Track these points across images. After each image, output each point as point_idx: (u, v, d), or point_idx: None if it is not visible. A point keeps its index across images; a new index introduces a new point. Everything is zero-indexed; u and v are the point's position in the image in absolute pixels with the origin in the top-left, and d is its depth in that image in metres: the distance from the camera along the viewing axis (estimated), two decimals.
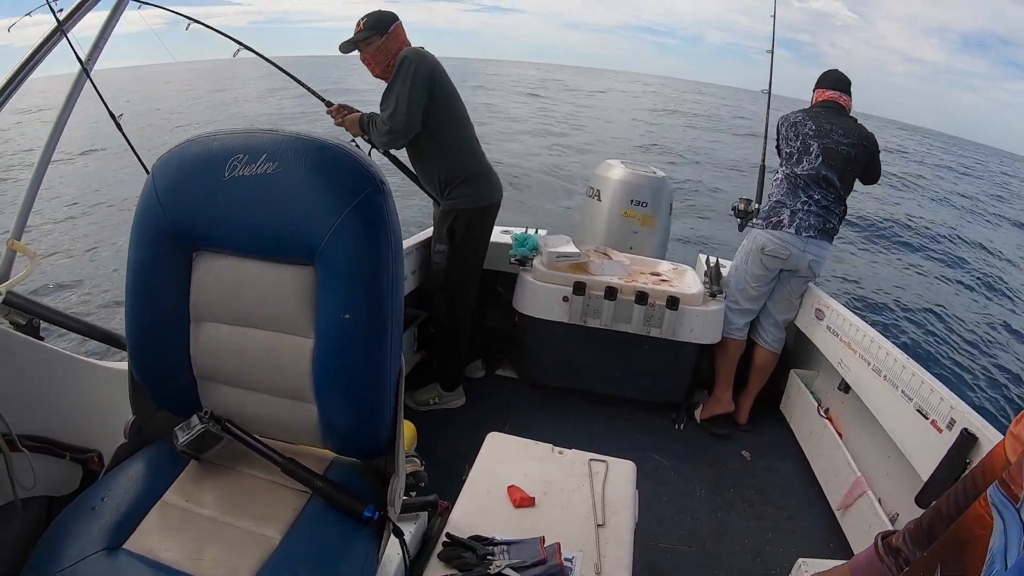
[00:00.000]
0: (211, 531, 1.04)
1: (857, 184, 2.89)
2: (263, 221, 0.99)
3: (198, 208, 1.02)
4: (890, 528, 2.08)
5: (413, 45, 2.54)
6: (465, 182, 2.62)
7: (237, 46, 2.52)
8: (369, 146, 2.64)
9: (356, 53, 2.53)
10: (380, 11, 2.48)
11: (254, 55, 2.60)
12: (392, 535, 1.14)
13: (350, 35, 2.50)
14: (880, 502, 2.18)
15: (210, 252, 1.05)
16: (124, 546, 0.99)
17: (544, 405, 3.05)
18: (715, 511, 2.45)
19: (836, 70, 2.94)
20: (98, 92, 1.81)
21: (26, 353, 1.40)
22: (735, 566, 2.20)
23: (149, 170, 1.07)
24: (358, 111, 2.63)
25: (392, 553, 1.19)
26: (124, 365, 1.19)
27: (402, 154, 2.76)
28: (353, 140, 2.61)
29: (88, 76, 1.73)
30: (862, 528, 2.21)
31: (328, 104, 2.68)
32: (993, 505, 0.68)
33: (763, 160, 3.41)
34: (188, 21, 2.41)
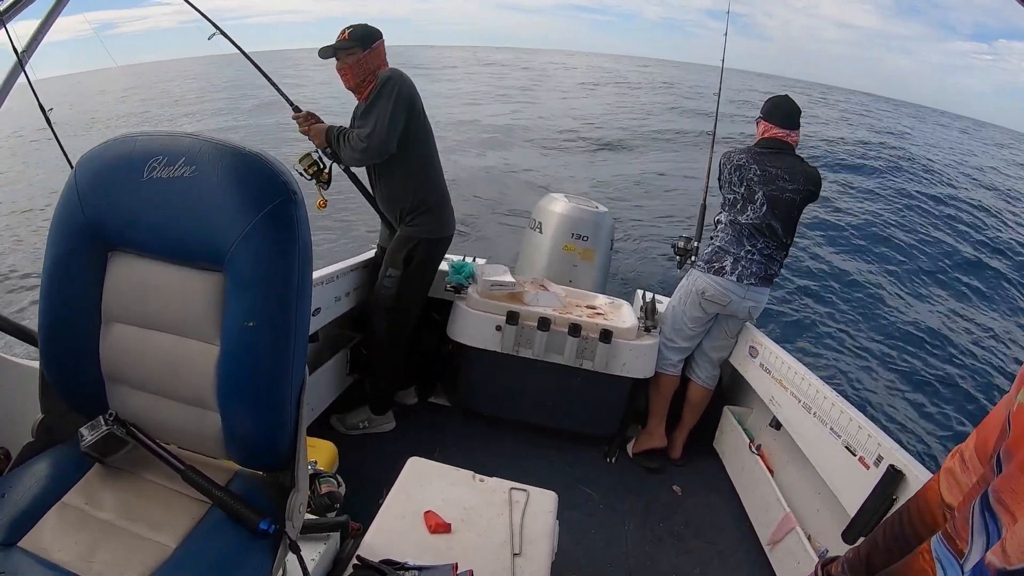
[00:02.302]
0: (106, 534, 1.04)
1: None
2: (175, 224, 0.99)
3: (115, 207, 1.02)
4: (824, 558, 2.08)
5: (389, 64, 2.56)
6: (430, 211, 2.62)
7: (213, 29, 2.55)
8: (329, 161, 2.63)
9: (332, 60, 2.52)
10: (367, 26, 2.49)
11: (230, 44, 2.60)
12: (289, 551, 1.11)
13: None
14: (809, 538, 2.18)
15: (124, 252, 1.05)
16: (19, 544, 0.99)
17: (475, 433, 3.00)
18: (643, 544, 2.42)
19: (787, 100, 2.80)
20: (31, 86, 1.83)
21: None
22: None
23: (73, 166, 1.07)
24: (324, 122, 2.60)
25: (297, 570, 1.17)
26: (37, 363, 1.17)
27: (361, 172, 2.74)
28: (317, 151, 2.60)
29: (23, 69, 1.73)
30: (791, 564, 2.20)
31: (296, 109, 2.64)
32: (937, 560, 0.68)
33: (704, 200, 3.48)
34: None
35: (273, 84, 2.70)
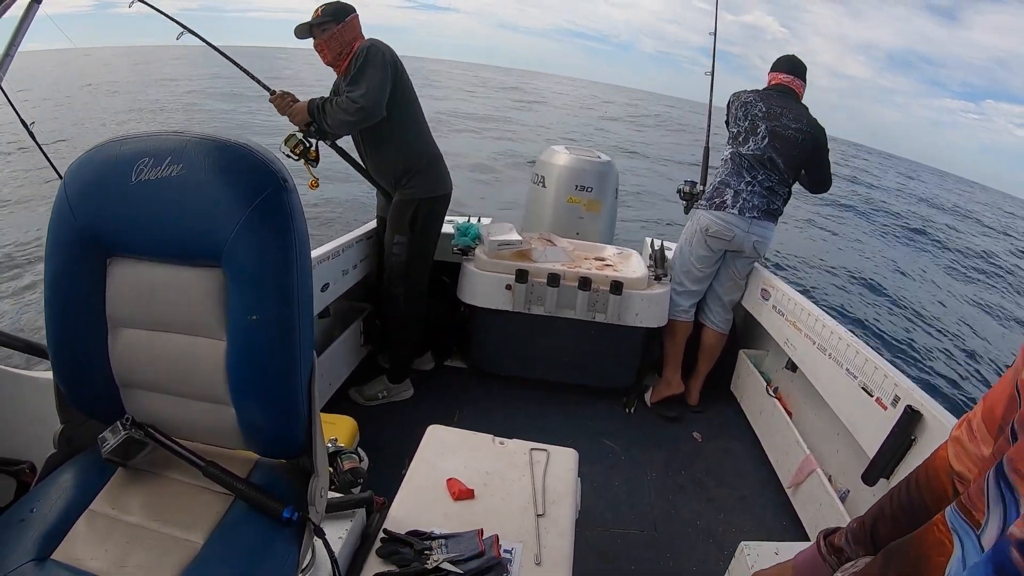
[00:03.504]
0: (136, 538, 1.04)
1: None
2: (170, 224, 0.98)
3: (108, 214, 1.00)
4: (840, 495, 2.09)
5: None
6: (423, 171, 2.61)
7: (181, 29, 2.51)
8: (315, 139, 2.61)
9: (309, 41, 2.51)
10: (339, 1, 2.49)
11: (199, 40, 2.57)
12: (315, 536, 1.12)
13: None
14: (830, 479, 2.19)
15: (123, 258, 1.04)
16: (52, 556, 0.99)
17: (494, 395, 3.01)
18: (666, 494, 2.44)
19: (792, 55, 2.91)
20: (9, 101, 1.79)
21: None
22: (686, 548, 2.19)
23: (62, 175, 1.05)
24: (300, 99, 2.56)
25: (325, 554, 1.17)
26: (51, 374, 1.17)
27: (349, 146, 2.73)
28: (300, 131, 2.57)
29: None
30: (813, 506, 2.21)
31: (271, 92, 2.60)
32: (954, 531, 0.66)
33: (707, 143, 3.42)
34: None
35: (245, 71, 2.69)
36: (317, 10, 2.46)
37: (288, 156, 2.57)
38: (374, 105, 2.38)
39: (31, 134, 1.96)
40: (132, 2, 2.41)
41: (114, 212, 0.99)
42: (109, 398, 1.12)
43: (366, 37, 2.54)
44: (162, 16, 2.52)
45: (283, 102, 2.54)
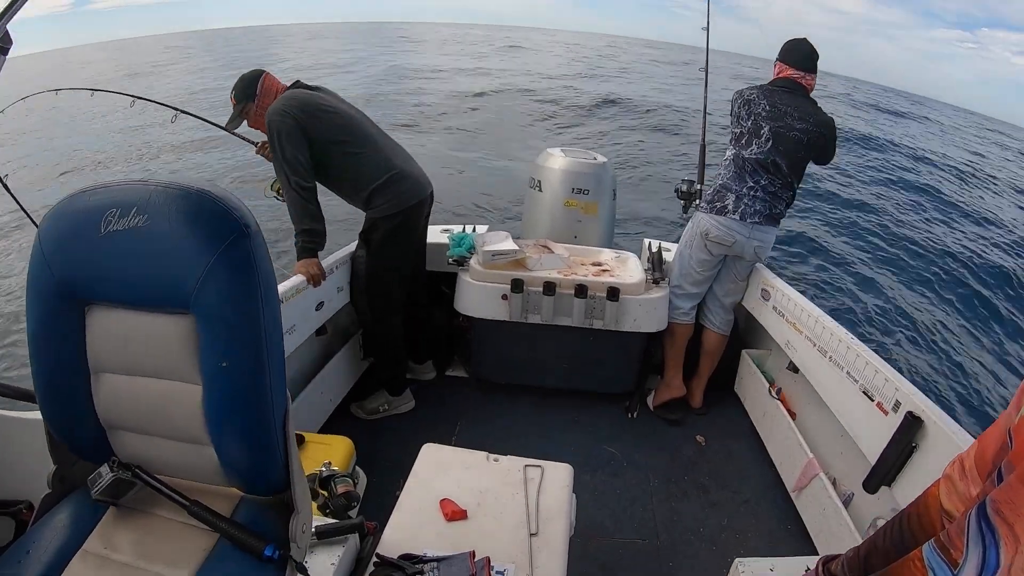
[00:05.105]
0: None
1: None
2: (140, 273, 0.99)
3: (81, 264, 1.02)
4: (843, 499, 2.07)
5: (287, 85, 2.58)
6: (376, 193, 2.55)
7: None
8: None
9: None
10: (242, 76, 2.52)
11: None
12: (297, 572, 1.13)
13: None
14: (834, 483, 2.17)
15: (99, 306, 1.05)
16: None
17: (495, 404, 3.01)
18: (669, 500, 2.43)
19: (804, 42, 2.70)
20: None
21: None
22: (690, 556, 2.18)
23: (38, 225, 1.07)
24: None
25: None
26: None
27: None
28: None
29: None
30: (816, 510, 2.19)
31: (255, 145, 2.71)
32: (929, 567, 0.67)
33: (703, 139, 3.39)
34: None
35: (234, 134, 2.78)
36: (231, 97, 2.52)
37: (276, 198, 2.66)
38: (302, 181, 2.39)
39: (6, 187, 1.97)
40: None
41: (87, 263, 1.01)
42: (97, 440, 1.14)
43: (281, 90, 2.54)
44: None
45: (267, 151, 2.61)
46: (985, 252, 8.72)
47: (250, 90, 2.49)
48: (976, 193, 13.10)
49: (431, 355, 3.20)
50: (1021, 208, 12.61)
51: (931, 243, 8.85)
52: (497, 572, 1.41)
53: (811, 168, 2.76)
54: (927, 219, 10.23)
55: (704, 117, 3.46)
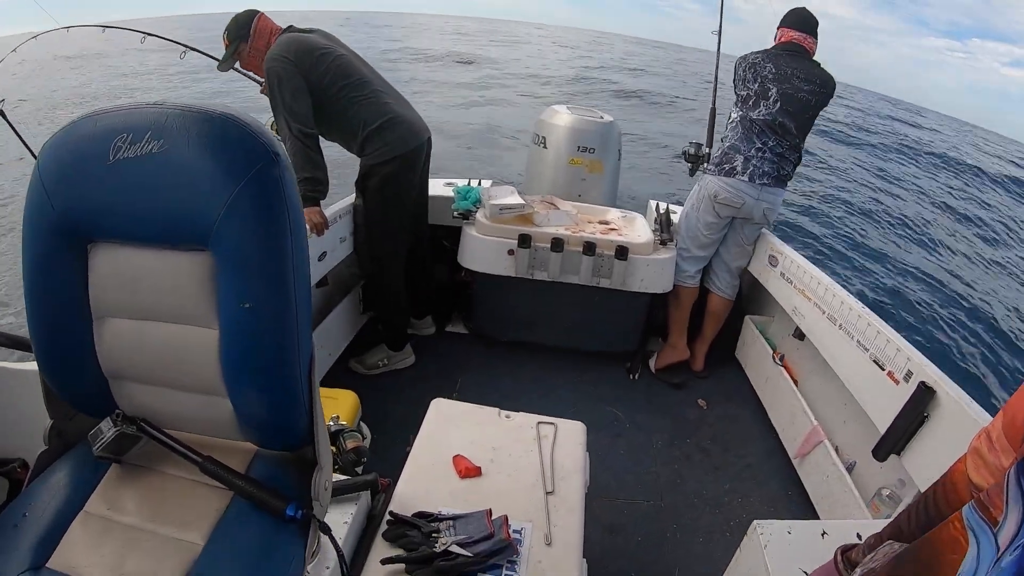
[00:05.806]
0: (133, 540, 0.99)
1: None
2: (152, 206, 0.90)
3: (86, 197, 0.92)
4: (847, 466, 2.07)
5: (281, 27, 2.47)
6: (371, 138, 2.46)
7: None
8: None
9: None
10: (235, 16, 2.42)
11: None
12: (320, 532, 1.07)
13: None
14: (837, 450, 2.16)
15: (105, 243, 0.96)
16: (48, 564, 0.95)
17: (495, 361, 2.97)
18: (672, 463, 2.42)
19: (803, 8, 2.75)
20: None
21: None
22: (692, 518, 2.18)
23: (36, 155, 0.97)
24: None
25: (330, 545, 1.13)
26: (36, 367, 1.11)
27: None
28: None
29: None
30: (819, 477, 2.19)
31: (261, 83, 2.56)
32: (970, 528, 0.65)
33: (713, 104, 3.32)
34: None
35: (239, 71, 2.63)
36: (224, 38, 2.42)
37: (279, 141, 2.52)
38: (304, 127, 2.31)
39: (2, 113, 1.85)
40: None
41: (92, 195, 0.91)
42: (98, 391, 1.06)
43: (276, 32, 2.44)
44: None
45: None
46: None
47: (244, 30, 2.38)
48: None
49: (431, 310, 3.14)
50: None
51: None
52: (514, 531, 1.37)
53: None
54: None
55: (716, 78, 3.37)
